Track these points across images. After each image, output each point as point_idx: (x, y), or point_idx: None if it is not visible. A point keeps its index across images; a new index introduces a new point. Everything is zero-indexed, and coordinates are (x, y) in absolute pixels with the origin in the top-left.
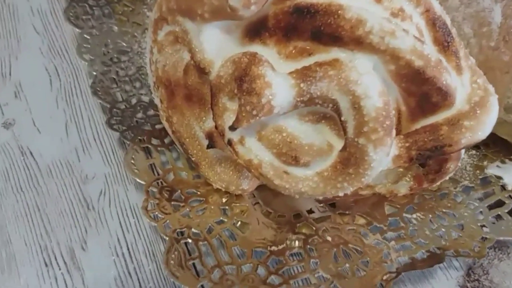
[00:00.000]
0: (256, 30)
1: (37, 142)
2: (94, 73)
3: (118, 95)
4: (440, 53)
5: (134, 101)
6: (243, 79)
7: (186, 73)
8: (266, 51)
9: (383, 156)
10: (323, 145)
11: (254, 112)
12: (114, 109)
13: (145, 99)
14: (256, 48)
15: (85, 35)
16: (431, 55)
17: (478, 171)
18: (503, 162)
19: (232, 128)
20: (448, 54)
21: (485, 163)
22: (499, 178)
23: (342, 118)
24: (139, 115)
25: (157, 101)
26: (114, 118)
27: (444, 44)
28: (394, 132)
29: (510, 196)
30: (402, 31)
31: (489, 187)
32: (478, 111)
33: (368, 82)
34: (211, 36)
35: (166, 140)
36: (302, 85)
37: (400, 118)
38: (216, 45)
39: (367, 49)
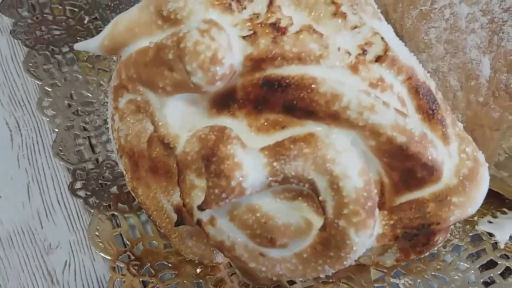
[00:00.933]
0: (224, 102)
1: None
2: (56, 130)
3: (83, 152)
4: (425, 121)
5: (100, 159)
6: (211, 159)
7: (150, 145)
8: (236, 124)
9: (366, 239)
10: (300, 223)
11: (224, 195)
12: (78, 171)
13: (112, 156)
14: (225, 120)
15: (46, 88)
16: (414, 130)
17: (468, 226)
18: (494, 216)
19: (201, 208)
20: (434, 123)
21: (475, 217)
22: (491, 235)
23: (320, 198)
24: (106, 174)
25: (121, 168)
26: (78, 181)
27: (428, 112)
28: (376, 212)
29: (502, 255)
30: (382, 105)
31: (480, 246)
32: (467, 186)
33: (347, 161)
34: (175, 109)
35: (134, 205)
36: (275, 164)
37: (383, 190)
38: (181, 117)
39: (345, 124)
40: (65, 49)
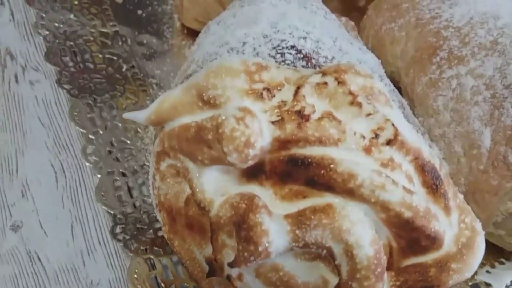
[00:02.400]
0: (253, 172)
1: (44, 245)
2: (99, 176)
3: (122, 197)
4: (429, 195)
5: (137, 203)
6: (241, 226)
7: (187, 205)
8: (263, 191)
9: None
10: (318, 282)
11: (252, 258)
12: (118, 216)
13: (148, 200)
14: (254, 188)
15: (90, 135)
16: (419, 206)
17: None
18: (493, 266)
19: (231, 266)
20: (437, 196)
21: None
22: (489, 285)
23: (336, 262)
24: (143, 218)
25: (159, 219)
26: (118, 225)
27: (433, 187)
28: (385, 276)
29: None
30: (392, 184)
31: None
32: (465, 254)
33: (360, 231)
34: (210, 177)
35: (168, 248)
36: (297, 231)
37: (392, 252)
38: (216, 184)
39: (359, 199)
40: (106, 98)
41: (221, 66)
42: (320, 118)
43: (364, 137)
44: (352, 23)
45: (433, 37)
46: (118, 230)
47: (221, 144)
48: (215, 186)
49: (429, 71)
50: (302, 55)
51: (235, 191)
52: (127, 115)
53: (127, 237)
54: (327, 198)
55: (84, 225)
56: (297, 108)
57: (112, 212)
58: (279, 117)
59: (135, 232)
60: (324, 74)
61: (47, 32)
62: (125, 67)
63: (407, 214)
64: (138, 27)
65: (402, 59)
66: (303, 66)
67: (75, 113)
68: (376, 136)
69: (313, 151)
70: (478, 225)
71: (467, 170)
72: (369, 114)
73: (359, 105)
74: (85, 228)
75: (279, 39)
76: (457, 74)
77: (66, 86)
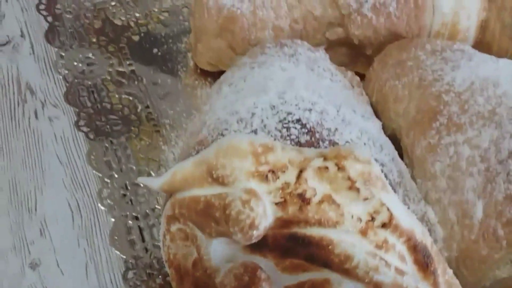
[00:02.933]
0: (257, 245)
1: (60, 284)
2: (113, 220)
3: (135, 241)
4: (420, 271)
5: (148, 247)
6: None
7: (194, 267)
8: (265, 262)
9: None
10: None
11: None
12: (130, 261)
13: (159, 245)
14: (257, 258)
15: (106, 179)
16: (410, 286)
17: None
18: None
19: None
20: (427, 274)
21: None
22: None
23: None
24: (153, 263)
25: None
26: (130, 270)
27: (424, 265)
28: None
29: None
30: (385, 267)
31: None
32: None
33: None
34: (217, 247)
35: None
36: None
37: None
38: (222, 252)
39: (354, 279)
40: (121, 139)
41: (231, 146)
42: (321, 202)
43: (360, 220)
44: (358, 78)
45: (434, 101)
46: (130, 275)
47: (227, 224)
48: (221, 254)
49: (428, 135)
50: (306, 130)
51: (240, 259)
52: (141, 179)
53: (138, 283)
54: (325, 274)
55: (97, 266)
56: (299, 191)
57: (124, 256)
58: (282, 199)
59: (146, 278)
60: (325, 158)
61: (66, 71)
62: (140, 107)
63: None
64: (153, 66)
65: (404, 118)
66: (306, 141)
67: (92, 156)
68: (372, 219)
69: (313, 232)
70: None
71: (459, 237)
72: (366, 199)
73: (357, 190)
74: (99, 269)
75: (285, 112)
76: (455, 142)
77: (84, 129)
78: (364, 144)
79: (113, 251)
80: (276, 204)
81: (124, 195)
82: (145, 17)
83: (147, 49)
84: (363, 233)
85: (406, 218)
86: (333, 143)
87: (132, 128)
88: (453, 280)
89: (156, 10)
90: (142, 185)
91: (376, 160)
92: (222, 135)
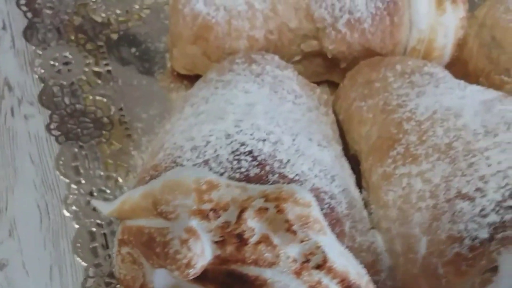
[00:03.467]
0: (198, 277)
1: (24, 286)
2: (77, 226)
3: (97, 249)
4: None
5: (111, 255)
6: None
7: None
8: None
9: None
10: None
11: None
12: (91, 268)
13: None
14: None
15: (73, 185)
16: None
17: None
18: None
19: None
20: None
21: None
22: None
23: None
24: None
25: None
26: (90, 278)
27: None
28: None
29: None
30: None
31: None
32: None
33: None
34: (161, 276)
35: None
36: None
37: None
38: (165, 281)
39: None
40: (91, 143)
41: (176, 182)
42: (258, 242)
43: (296, 261)
44: (325, 97)
45: (394, 128)
46: (89, 283)
47: (166, 262)
48: (165, 282)
49: (385, 163)
50: (257, 163)
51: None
52: (94, 202)
53: None
54: None
55: (62, 269)
56: (238, 231)
57: (85, 264)
58: (222, 238)
59: (104, 287)
60: (266, 199)
61: (43, 71)
62: (113, 109)
63: None
64: (130, 66)
65: (365, 142)
66: (256, 174)
67: (61, 161)
68: (307, 260)
69: (250, 271)
70: None
71: (403, 269)
72: (302, 241)
73: (294, 232)
74: (63, 272)
75: (239, 142)
76: (409, 173)
77: (54, 133)
78: (315, 176)
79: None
80: (216, 242)
81: (89, 202)
82: (126, 14)
83: (125, 49)
84: (298, 274)
85: (341, 260)
86: (282, 176)
87: (104, 132)
88: None
89: (137, 7)
90: (109, 191)
91: (325, 192)
92: (175, 162)
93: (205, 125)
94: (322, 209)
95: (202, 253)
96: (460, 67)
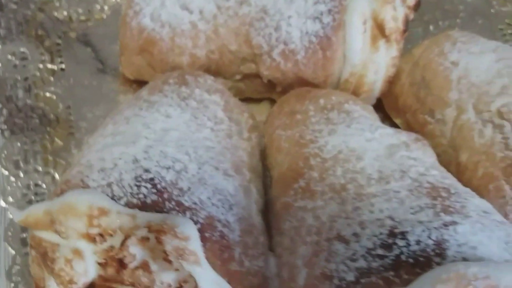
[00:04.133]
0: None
1: None
2: (10, 216)
3: (26, 240)
4: None
5: None
6: None
7: None
8: None
9: None
10: None
11: None
12: (18, 257)
13: None
14: None
15: (11, 177)
16: None
17: None
18: None
19: None
20: None
21: None
22: None
23: None
24: None
25: None
26: (15, 265)
27: None
28: None
29: None
30: None
31: None
32: None
33: None
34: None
35: None
36: None
37: None
38: None
39: None
40: (34, 139)
41: (71, 205)
42: (137, 268)
43: (170, 286)
44: (251, 122)
45: (302, 162)
46: (14, 270)
47: (53, 275)
48: None
49: (288, 194)
50: (156, 190)
51: None
52: (10, 208)
53: (19, 279)
54: None
55: None
56: (120, 256)
57: (13, 252)
58: (105, 260)
59: (27, 276)
60: (149, 230)
61: (0, 65)
62: (61, 107)
63: None
64: (83, 66)
65: (277, 170)
66: (153, 200)
67: (3, 154)
68: (181, 286)
69: None
70: None
71: None
72: (177, 270)
73: (170, 262)
74: None
75: (143, 168)
76: (305, 207)
77: (1, 126)
78: (213, 204)
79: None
80: (99, 263)
81: (26, 194)
82: (88, 13)
83: (81, 48)
84: None
85: (213, 287)
86: (179, 204)
87: (48, 128)
88: None
89: (99, 7)
90: (44, 186)
91: (219, 220)
92: (82, 181)
93: (117, 147)
94: (213, 236)
95: (84, 272)
96: (392, 99)
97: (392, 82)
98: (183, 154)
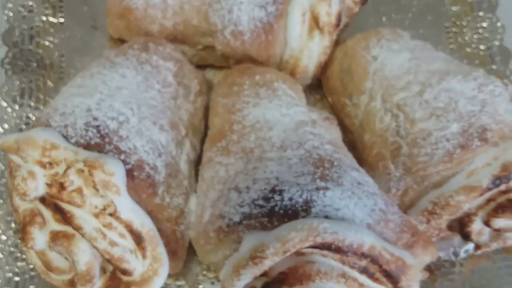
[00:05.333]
0: (41, 200)
1: None
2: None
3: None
4: (137, 245)
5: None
6: (22, 230)
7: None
8: (46, 212)
9: None
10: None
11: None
12: None
13: None
14: (41, 207)
15: (8, 108)
16: (115, 252)
17: None
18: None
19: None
20: (140, 248)
21: None
22: None
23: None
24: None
25: None
26: None
27: (138, 242)
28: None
29: None
30: (102, 238)
31: None
32: (143, 283)
33: (82, 255)
34: None
35: None
36: (52, 245)
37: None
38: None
39: (87, 239)
40: (32, 78)
41: (32, 137)
42: (73, 190)
43: (97, 207)
44: (198, 88)
45: (227, 126)
46: (1, 182)
47: (13, 188)
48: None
49: (212, 149)
50: (99, 135)
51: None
52: None
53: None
54: (72, 230)
55: None
56: (61, 180)
57: (3, 167)
58: (51, 182)
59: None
60: (85, 164)
61: (11, 14)
62: (56, 54)
63: (107, 256)
64: (79, 21)
65: (211, 130)
66: (96, 142)
67: (4, 90)
68: (104, 209)
69: (65, 206)
70: (162, 270)
71: (196, 228)
72: (102, 196)
73: (97, 190)
74: None
75: (92, 117)
76: (221, 162)
77: (6, 66)
78: (145, 151)
79: None
80: (47, 184)
81: (18, 123)
82: None
83: (79, 6)
84: (96, 216)
85: (129, 213)
86: (116, 147)
87: (43, 72)
88: (160, 255)
89: None
90: (33, 118)
91: (148, 164)
92: (47, 121)
93: (78, 97)
94: (141, 175)
95: (35, 188)
96: (325, 81)
97: (325, 66)
98: (128, 109)
